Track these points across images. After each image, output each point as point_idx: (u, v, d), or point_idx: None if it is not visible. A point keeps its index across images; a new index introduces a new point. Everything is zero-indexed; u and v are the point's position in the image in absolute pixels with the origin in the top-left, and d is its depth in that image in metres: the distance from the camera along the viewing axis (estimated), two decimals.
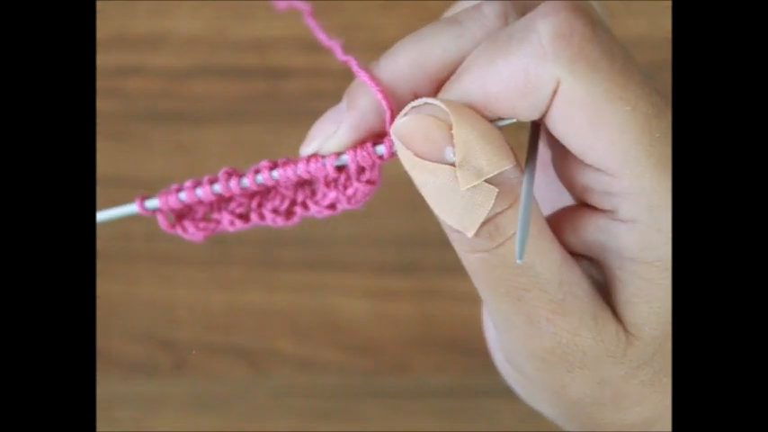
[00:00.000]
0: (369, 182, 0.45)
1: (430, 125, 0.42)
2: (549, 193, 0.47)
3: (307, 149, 0.45)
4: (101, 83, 0.73)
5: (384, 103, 0.44)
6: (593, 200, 0.43)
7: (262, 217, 0.47)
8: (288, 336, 0.77)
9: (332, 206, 0.46)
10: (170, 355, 0.77)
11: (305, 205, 0.46)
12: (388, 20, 0.76)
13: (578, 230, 0.44)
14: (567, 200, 0.45)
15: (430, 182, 0.42)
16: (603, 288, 0.45)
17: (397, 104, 0.44)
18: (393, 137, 0.43)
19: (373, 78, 0.44)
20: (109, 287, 0.75)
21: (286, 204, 0.47)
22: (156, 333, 0.77)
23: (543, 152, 0.46)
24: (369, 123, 0.44)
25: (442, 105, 0.41)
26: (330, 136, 0.45)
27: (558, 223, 0.45)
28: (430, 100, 0.42)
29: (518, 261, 0.41)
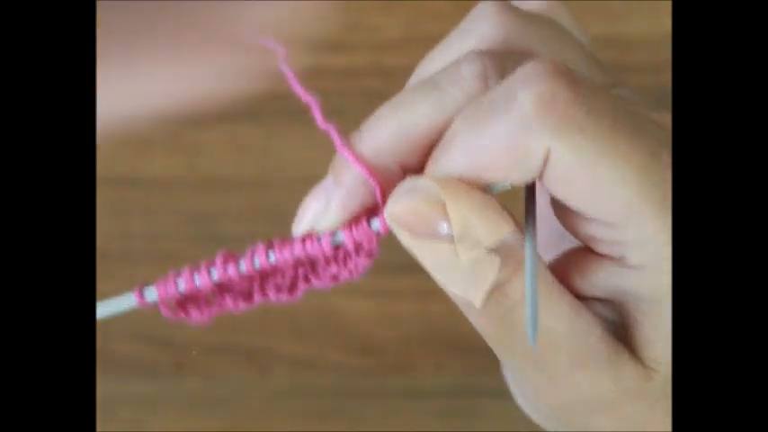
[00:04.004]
0: (368, 255, 0.45)
1: (423, 206, 0.42)
2: (552, 236, 0.47)
3: (298, 229, 0.45)
4: None
5: (371, 181, 0.43)
6: (600, 248, 0.43)
7: (265, 295, 0.47)
8: (288, 336, 0.77)
9: (334, 278, 0.46)
10: (170, 355, 0.77)
11: (307, 279, 0.47)
12: (388, 20, 0.76)
13: (587, 276, 0.44)
14: (569, 240, 0.45)
15: (431, 257, 0.42)
16: (618, 326, 0.44)
17: (383, 176, 0.44)
18: (388, 221, 0.43)
19: (357, 156, 0.43)
20: (109, 287, 0.75)
21: (288, 280, 0.47)
22: (156, 333, 0.77)
23: (540, 199, 0.46)
24: (358, 199, 0.44)
25: (433, 184, 0.41)
26: (321, 215, 0.45)
27: (564, 268, 0.45)
28: (419, 180, 0.42)
29: (531, 344, 0.41)
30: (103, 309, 0.46)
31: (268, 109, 0.77)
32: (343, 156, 0.44)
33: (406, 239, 0.43)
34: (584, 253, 0.44)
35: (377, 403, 0.77)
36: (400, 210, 0.42)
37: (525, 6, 0.48)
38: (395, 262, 0.79)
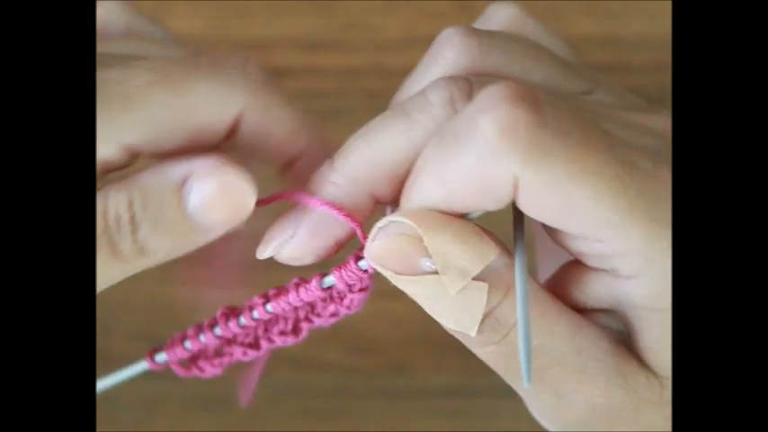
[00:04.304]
0: (362, 290, 0.45)
1: (401, 243, 0.41)
2: (547, 252, 0.46)
3: (263, 253, 0.45)
4: None
5: (352, 224, 0.43)
6: (591, 262, 0.43)
7: (271, 341, 0.48)
8: None
9: (334, 315, 0.47)
10: None
11: (309, 320, 0.47)
12: (388, 20, 0.76)
13: (585, 289, 0.44)
14: (565, 254, 0.45)
15: (419, 292, 0.42)
16: (624, 335, 0.44)
17: (356, 206, 0.43)
18: (368, 261, 0.43)
19: (329, 200, 0.43)
20: (109, 287, 0.75)
21: (291, 324, 0.47)
22: (156, 333, 0.77)
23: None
24: (328, 231, 0.44)
25: (407, 221, 0.41)
26: (287, 240, 0.44)
27: (562, 283, 0.44)
28: (394, 217, 0.41)
29: (525, 386, 0.40)
30: (114, 378, 0.48)
31: None
32: (315, 200, 0.44)
33: (391, 278, 0.42)
34: (579, 266, 0.44)
35: (377, 403, 0.77)
36: (377, 250, 0.42)
37: (492, 25, 0.48)
38: None
